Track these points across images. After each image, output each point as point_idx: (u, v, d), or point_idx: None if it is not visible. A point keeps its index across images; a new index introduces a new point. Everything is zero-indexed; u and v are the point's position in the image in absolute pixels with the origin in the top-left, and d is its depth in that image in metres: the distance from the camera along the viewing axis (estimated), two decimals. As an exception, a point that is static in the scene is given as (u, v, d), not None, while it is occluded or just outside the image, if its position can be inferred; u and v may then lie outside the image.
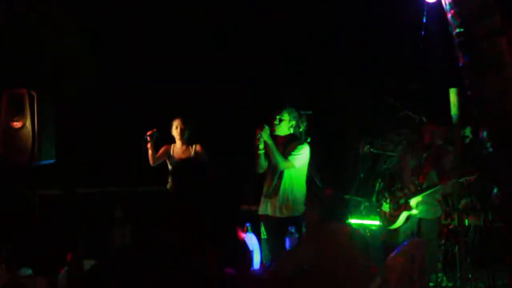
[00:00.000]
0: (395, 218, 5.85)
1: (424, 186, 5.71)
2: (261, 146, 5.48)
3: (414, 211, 5.73)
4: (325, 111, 7.69)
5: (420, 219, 5.79)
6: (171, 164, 6.67)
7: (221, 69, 8.34)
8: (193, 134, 6.67)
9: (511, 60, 3.81)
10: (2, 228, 6.11)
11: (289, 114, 5.57)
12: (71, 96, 7.08)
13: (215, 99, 8.31)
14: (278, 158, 5.43)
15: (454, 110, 5.73)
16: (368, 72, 8.31)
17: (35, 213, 6.14)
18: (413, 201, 5.73)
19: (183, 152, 6.63)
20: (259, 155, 5.52)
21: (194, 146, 6.62)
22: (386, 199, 5.96)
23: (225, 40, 8.30)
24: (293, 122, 5.59)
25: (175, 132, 6.61)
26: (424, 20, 5.55)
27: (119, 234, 6.61)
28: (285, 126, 5.57)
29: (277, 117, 5.57)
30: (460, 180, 5.60)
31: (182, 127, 6.59)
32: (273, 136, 5.51)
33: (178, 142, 6.65)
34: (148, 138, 6.53)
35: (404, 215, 5.78)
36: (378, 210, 6.18)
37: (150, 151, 6.57)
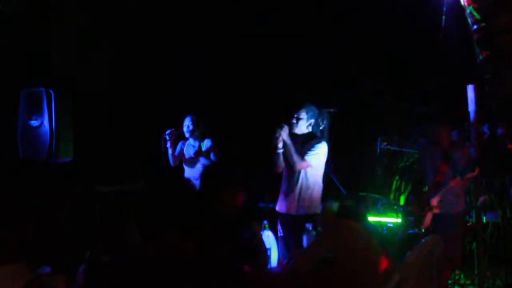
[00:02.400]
0: (423, 219, 5.83)
1: (442, 185, 5.70)
2: (280, 145, 5.46)
3: (437, 211, 5.72)
4: (342, 109, 7.67)
5: (441, 215, 5.76)
6: (184, 162, 6.71)
7: (240, 67, 8.35)
8: (205, 132, 6.69)
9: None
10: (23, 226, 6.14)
11: (307, 113, 5.51)
12: (88, 94, 7.12)
13: (234, 97, 8.32)
14: (295, 158, 5.40)
15: (471, 106, 5.71)
16: (386, 69, 8.29)
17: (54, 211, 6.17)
18: (435, 201, 5.71)
19: (194, 149, 6.66)
20: (278, 154, 5.50)
21: (204, 142, 6.64)
22: (411, 200, 5.96)
23: (244, 36, 8.29)
24: (312, 120, 5.55)
25: (186, 130, 6.65)
26: (443, 20, 5.49)
27: (136, 232, 6.62)
28: (303, 125, 5.53)
29: (295, 115, 5.54)
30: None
31: (192, 125, 6.63)
32: (292, 135, 5.49)
33: (190, 140, 6.70)
34: (168, 138, 6.56)
35: (429, 215, 5.76)
36: (404, 209, 6.16)
37: (170, 151, 6.61)
